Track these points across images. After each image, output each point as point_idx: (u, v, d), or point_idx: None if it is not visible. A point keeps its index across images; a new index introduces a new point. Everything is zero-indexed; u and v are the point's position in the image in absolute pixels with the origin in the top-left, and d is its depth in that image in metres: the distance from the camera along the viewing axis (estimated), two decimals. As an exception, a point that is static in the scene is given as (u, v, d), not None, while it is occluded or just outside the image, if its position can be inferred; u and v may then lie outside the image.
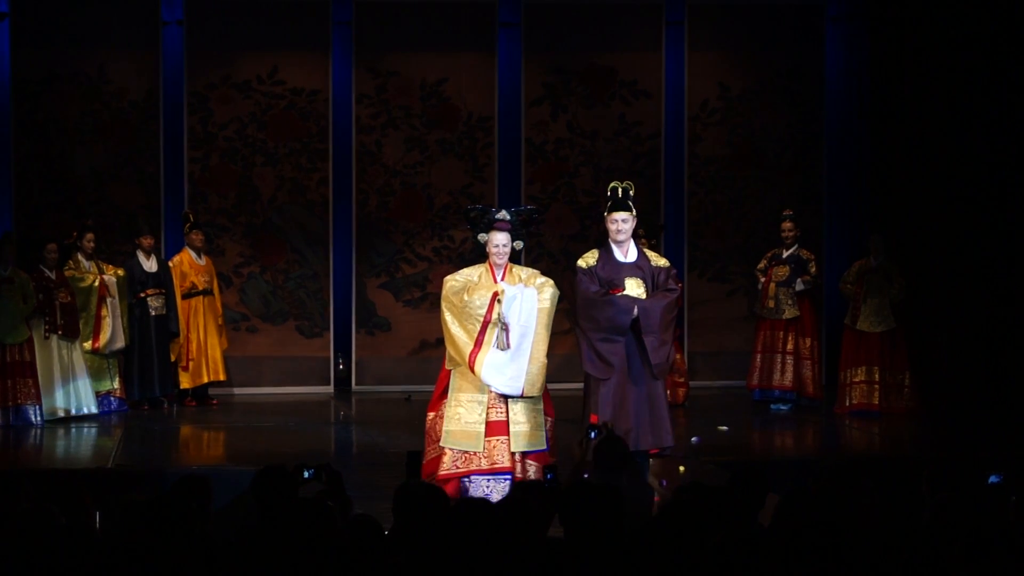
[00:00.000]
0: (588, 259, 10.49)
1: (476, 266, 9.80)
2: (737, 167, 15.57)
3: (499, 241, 9.60)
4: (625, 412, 10.18)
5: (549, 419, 9.59)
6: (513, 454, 9.35)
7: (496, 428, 9.40)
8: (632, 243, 10.53)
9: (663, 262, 10.66)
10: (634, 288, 10.36)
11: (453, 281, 9.66)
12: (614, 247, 10.45)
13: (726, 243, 15.48)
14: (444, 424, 9.45)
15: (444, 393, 9.57)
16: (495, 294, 9.43)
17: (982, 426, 12.40)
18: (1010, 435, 11.76)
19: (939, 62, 14.18)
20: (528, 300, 9.44)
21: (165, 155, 14.94)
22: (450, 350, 9.57)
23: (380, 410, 14.07)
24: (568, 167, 15.45)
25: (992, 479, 6.84)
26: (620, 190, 10.44)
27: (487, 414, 9.41)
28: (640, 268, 10.45)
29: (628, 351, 10.29)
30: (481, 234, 9.68)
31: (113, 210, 14.77)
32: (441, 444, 9.40)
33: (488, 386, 9.39)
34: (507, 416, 9.42)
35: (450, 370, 9.58)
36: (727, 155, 15.56)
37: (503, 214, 9.69)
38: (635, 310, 10.21)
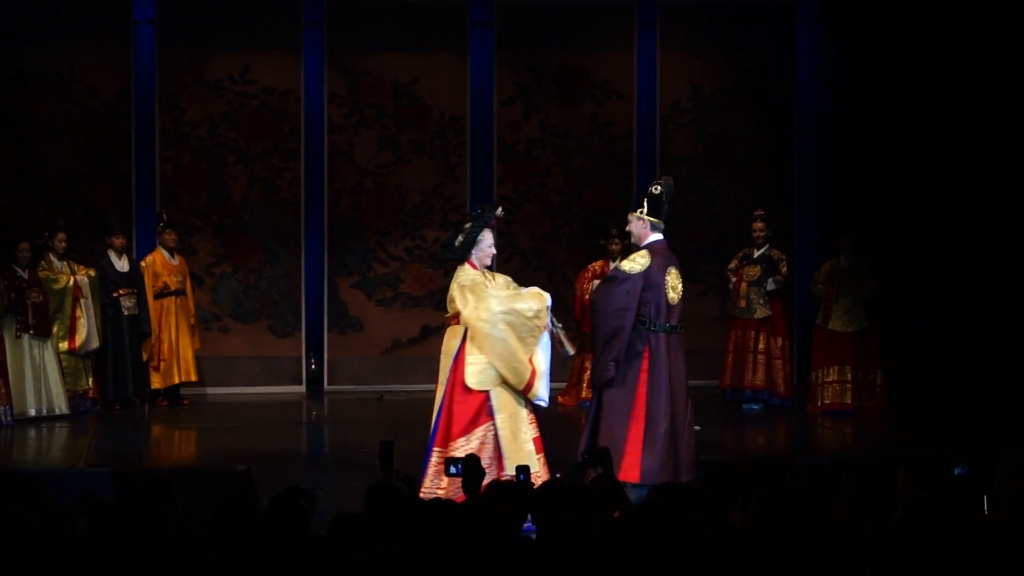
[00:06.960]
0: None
1: (467, 269, 8.98)
2: (709, 167, 15.58)
3: (492, 241, 9.04)
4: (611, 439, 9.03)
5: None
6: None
7: (538, 445, 8.91)
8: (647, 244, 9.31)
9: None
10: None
11: (484, 290, 8.84)
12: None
13: (698, 243, 15.47)
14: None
15: (474, 420, 8.78)
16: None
17: (954, 425, 12.44)
18: (980, 433, 11.80)
19: (910, 62, 14.21)
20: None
21: (136, 154, 14.88)
22: (502, 370, 8.79)
23: (352, 410, 14.04)
24: (540, 167, 15.44)
25: (957, 471, 6.90)
26: (658, 187, 9.27)
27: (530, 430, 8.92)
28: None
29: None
30: (484, 231, 8.94)
31: (84, 209, 14.71)
32: (507, 474, 8.46)
33: (541, 403, 8.91)
34: (540, 431, 8.98)
35: (486, 392, 8.84)
36: (699, 155, 15.58)
37: (500, 212, 9.16)
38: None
